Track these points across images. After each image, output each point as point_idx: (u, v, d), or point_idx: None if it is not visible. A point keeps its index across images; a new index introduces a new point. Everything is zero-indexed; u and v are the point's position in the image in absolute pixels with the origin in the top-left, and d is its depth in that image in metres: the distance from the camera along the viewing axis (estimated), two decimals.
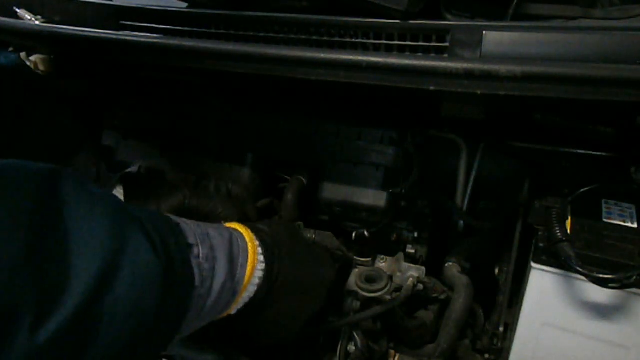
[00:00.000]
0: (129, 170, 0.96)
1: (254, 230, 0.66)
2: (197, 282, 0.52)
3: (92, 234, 0.40)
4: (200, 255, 0.54)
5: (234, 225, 0.66)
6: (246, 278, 0.60)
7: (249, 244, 0.63)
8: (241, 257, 0.61)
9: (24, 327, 0.33)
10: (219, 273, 0.56)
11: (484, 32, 0.63)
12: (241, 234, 0.64)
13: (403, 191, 0.88)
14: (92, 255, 0.39)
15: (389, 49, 0.68)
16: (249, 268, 0.61)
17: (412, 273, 0.85)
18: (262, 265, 0.63)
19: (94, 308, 0.38)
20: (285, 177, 0.95)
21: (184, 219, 0.57)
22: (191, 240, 0.54)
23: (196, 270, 0.52)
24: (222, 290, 0.56)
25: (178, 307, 0.50)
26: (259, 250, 0.63)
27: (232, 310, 0.62)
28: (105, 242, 0.40)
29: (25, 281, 0.34)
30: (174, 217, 0.56)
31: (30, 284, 0.34)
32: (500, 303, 0.95)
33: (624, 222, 0.76)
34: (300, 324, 0.74)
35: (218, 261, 0.56)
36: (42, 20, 0.88)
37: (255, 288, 0.62)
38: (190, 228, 0.56)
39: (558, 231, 0.71)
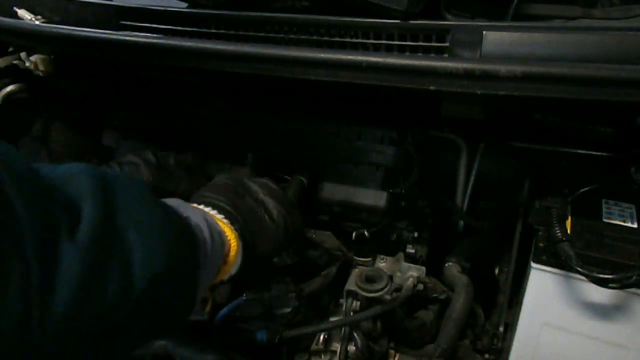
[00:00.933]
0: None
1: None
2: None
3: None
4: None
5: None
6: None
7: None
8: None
9: (64, 233, 0.38)
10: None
11: (484, 32, 0.63)
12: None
13: (403, 191, 0.88)
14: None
15: (389, 49, 0.68)
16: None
17: (412, 273, 0.85)
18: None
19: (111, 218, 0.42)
20: (285, 177, 0.95)
21: None
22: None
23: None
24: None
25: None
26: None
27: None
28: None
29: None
30: None
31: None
32: (500, 303, 0.95)
33: (624, 222, 0.76)
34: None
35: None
36: (42, 20, 0.88)
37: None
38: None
39: (558, 231, 0.71)
